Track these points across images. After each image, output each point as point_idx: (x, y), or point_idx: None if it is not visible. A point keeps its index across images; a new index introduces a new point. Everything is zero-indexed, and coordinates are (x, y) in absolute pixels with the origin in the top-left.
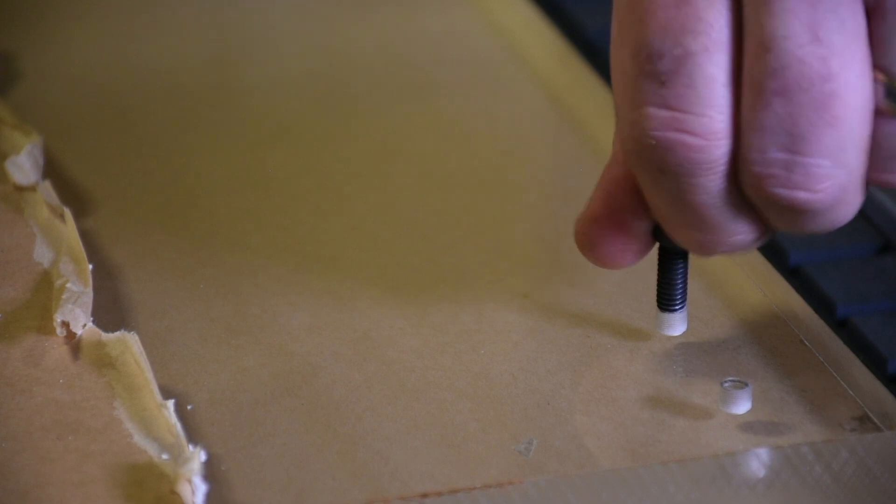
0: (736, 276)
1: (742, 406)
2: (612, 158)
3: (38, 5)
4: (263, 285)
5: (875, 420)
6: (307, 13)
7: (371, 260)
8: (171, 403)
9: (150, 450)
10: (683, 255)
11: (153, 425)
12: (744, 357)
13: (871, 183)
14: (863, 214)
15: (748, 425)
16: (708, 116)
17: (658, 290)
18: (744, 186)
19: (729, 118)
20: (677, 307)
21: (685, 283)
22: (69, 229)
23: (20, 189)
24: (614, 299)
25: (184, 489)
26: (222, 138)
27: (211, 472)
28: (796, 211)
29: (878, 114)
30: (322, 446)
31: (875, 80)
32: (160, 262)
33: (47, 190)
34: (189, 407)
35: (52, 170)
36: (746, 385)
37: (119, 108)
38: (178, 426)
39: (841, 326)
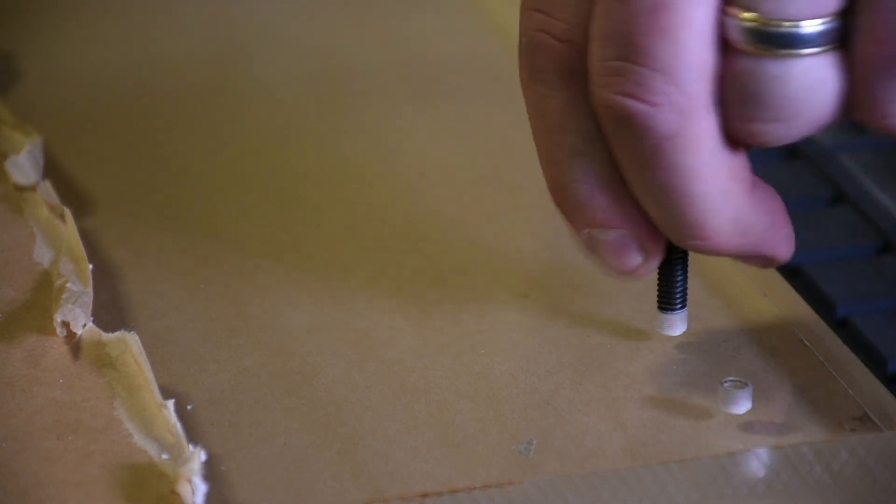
0: (736, 277)
1: (742, 406)
2: None
3: (38, 5)
4: (263, 285)
5: (875, 420)
6: (307, 13)
7: (371, 260)
8: (171, 403)
9: (150, 450)
10: (683, 256)
11: (153, 425)
12: (744, 357)
13: (735, 135)
14: (863, 214)
15: (748, 425)
16: (567, 22)
17: (658, 291)
18: (591, 101)
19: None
20: (677, 307)
21: (685, 283)
22: (69, 229)
23: (20, 189)
24: (614, 299)
25: (184, 489)
26: (222, 138)
27: (211, 472)
28: (633, 126)
29: (732, 50)
30: (322, 446)
31: (728, 14)
32: (160, 262)
33: (47, 190)
34: (189, 407)
35: (52, 170)
36: (746, 385)
37: (119, 107)
38: (178, 426)
39: (841, 326)
